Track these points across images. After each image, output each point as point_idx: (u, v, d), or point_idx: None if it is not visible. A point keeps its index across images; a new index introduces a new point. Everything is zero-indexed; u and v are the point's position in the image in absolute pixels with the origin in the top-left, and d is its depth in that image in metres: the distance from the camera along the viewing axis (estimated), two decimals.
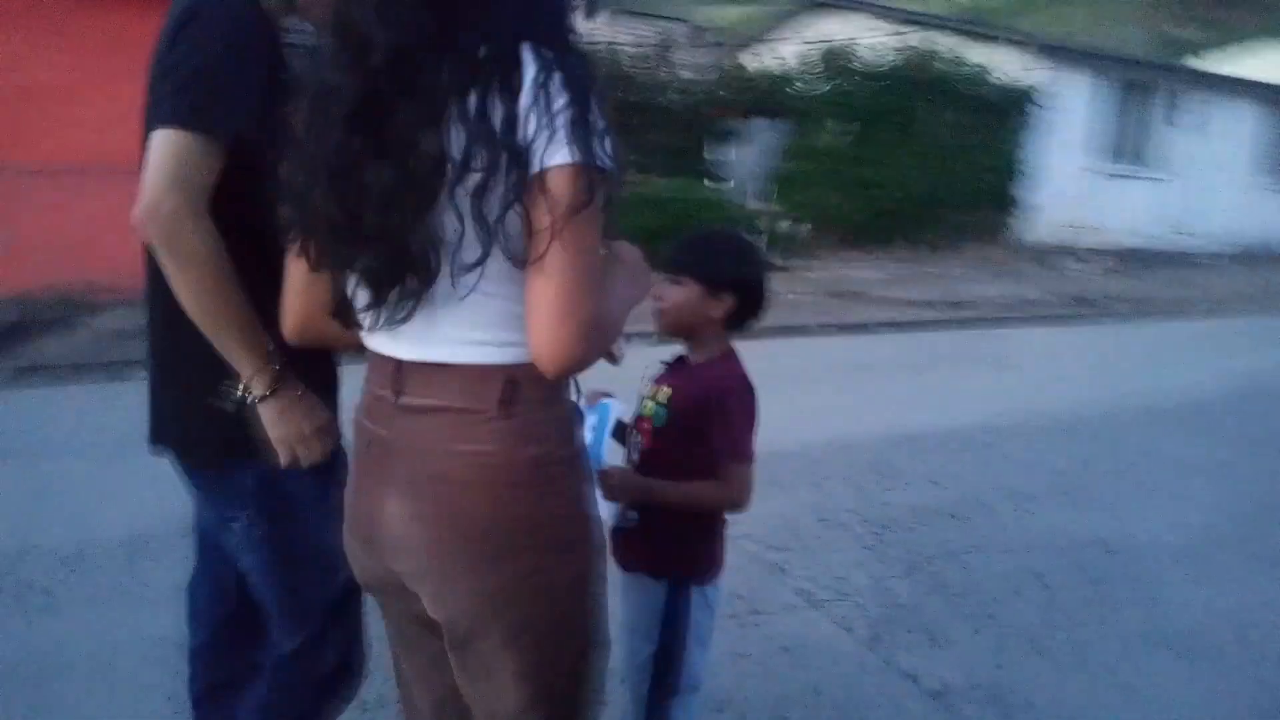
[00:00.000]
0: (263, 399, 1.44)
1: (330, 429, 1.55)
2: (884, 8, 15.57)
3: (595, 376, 1.33)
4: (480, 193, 1.05)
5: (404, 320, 1.13)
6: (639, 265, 1.34)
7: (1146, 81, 15.27)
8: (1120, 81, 14.91)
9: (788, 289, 9.11)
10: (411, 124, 1.06)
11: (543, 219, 1.05)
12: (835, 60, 13.25)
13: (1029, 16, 38.18)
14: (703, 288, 1.79)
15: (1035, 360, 7.98)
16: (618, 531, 1.83)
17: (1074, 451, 5.06)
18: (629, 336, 1.49)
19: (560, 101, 1.04)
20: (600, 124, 1.06)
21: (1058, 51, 14.46)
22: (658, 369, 1.93)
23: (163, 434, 1.59)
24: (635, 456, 1.88)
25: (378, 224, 1.08)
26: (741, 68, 13.64)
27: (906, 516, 3.96)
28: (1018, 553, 3.65)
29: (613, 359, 1.48)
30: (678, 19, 18.57)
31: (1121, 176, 15.13)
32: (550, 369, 1.08)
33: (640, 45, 12.39)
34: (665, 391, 1.86)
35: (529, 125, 1.04)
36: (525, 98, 1.04)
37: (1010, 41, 14.33)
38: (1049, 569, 3.50)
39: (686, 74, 12.38)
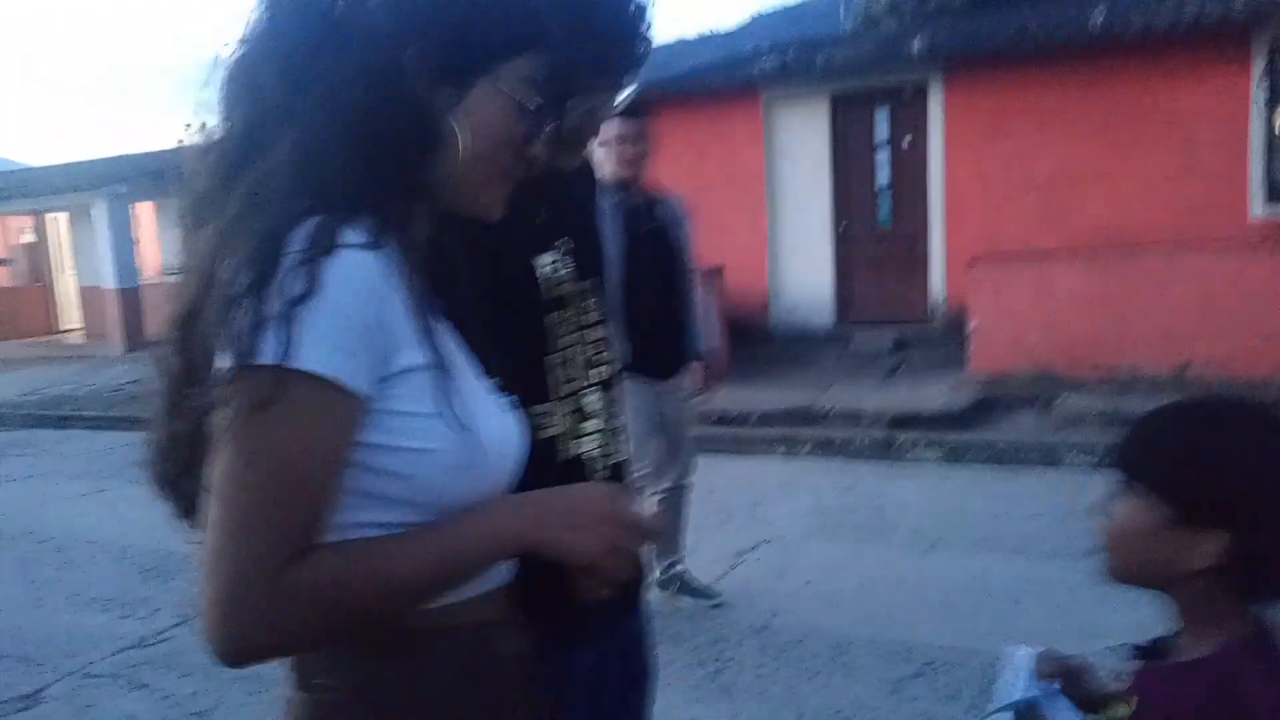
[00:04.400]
0: None
1: None
2: None
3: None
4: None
5: None
6: (556, 516, 0.93)
7: None
8: None
9: None
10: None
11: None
12: None
13: None
14: (1164, 508, 0.99)
15: None
16: None
17: None
18: None
19: (235, 283, 0.81)
20: (281, 305, 0.78)
21: None
22: (1127, 651, 1.11)
23: None
24: None
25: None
26: None
27: None
28: None
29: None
30: None
31: None
32: (211, 653, 0.81)
33: None
34: (1123, 709, 1.06)
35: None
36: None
37: None
38: None
39: None
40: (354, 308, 0.82)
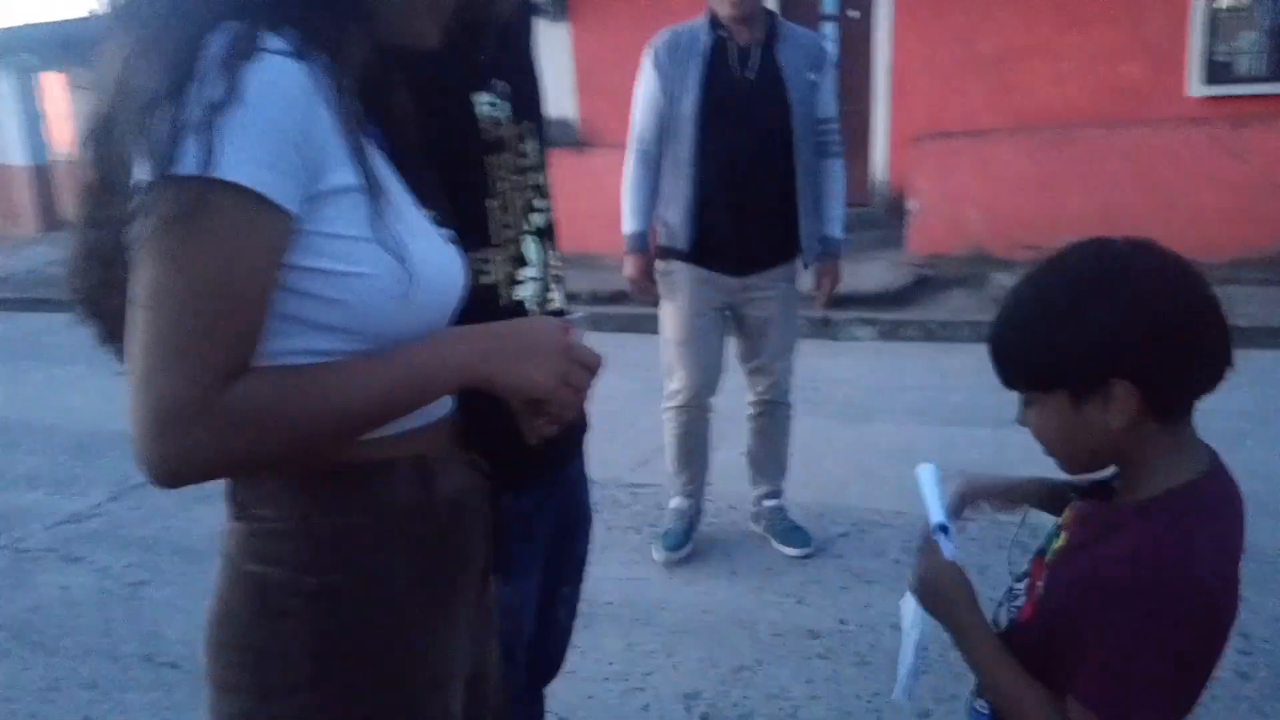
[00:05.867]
0: None
1: None
2: None
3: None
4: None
5: None
6: (499, 344, 0.91)
7: None
8: None
9: None
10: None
11: None
12: None
13: None
14: (1061, 397, 0.99)
15: None
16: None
17: None
18: None
19: (151, 88, 0.76)
20: (201, 112, 0.74)
21: None
22: (1081, 488, 1.12)
23: None
24: (1008, 617, 1.13)
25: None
26: None
27: None
28: None
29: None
30: None
31: None
32: (145, 476, 0.79)
33: None
34: (1057, 541, 1.09)
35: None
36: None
37: None
38: None
39: None
40: (278, 116, 0.77)
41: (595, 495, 1.64)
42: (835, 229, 3.01)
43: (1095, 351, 0.96)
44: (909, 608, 1.20)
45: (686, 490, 3.14)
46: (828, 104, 2.90)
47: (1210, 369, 0.97)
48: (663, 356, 3.07)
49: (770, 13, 2.86)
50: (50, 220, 13.02)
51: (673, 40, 2.82)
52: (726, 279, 2.92)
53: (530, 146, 1.35)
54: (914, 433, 4.24)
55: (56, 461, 4.49)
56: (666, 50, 2.80)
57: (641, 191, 2.88)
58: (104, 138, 0.81)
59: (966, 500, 1.22)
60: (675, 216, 2.85)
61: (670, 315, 2.98)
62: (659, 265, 2.98)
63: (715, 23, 2.79)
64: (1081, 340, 0.96)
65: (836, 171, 2.98)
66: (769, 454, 3.22)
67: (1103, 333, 0.95)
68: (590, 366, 0.95)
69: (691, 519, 3.14)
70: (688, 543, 3.10)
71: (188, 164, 0.74)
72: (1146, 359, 0.95)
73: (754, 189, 2.83)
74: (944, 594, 1.09)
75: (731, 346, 3.15)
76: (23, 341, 7.38)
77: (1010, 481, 1.25)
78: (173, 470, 0.77)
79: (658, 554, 3.08)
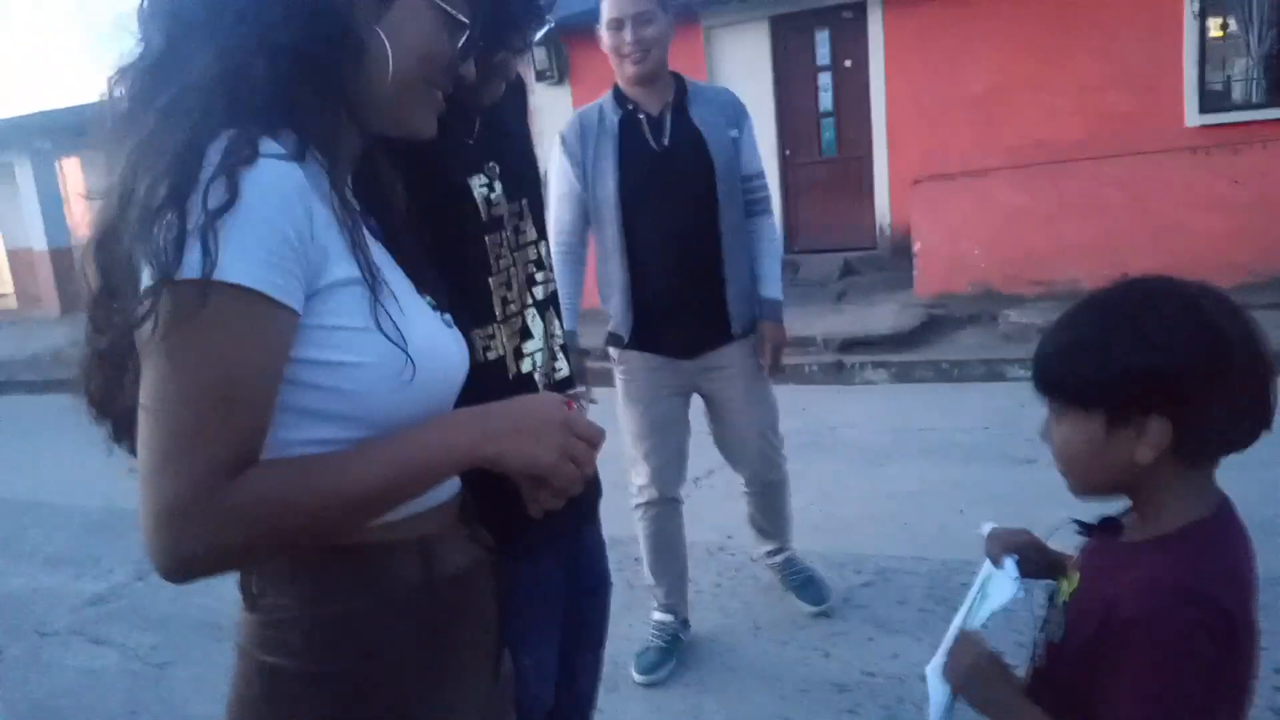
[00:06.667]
0: None
1: None
2: None
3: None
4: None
5: None
6: (486, 425, 0.92)
7: None
8: None
9: None
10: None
11: None
12: None
13: None
14: (1096, 419, 0.99)
15: None
16: None
17: None
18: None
19: (154, 196, 0.79)
20: (202, 218, 0.77)
21: None
22: (1073, 528, 1.14)
23: None
24: (1035, 662, 1.14)
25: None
26: None
27: None
28: None
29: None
30: None
31: None
32: (155, 571, 0.81)
33: None
34: (1073, 581, 1.10)
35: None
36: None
37: None
38: None
39: None
40: (277, 218, 0.81)
41: (614, 554, 1.65)
42: (772, 289, 2.80)
43: (1147, 378, 0.95)
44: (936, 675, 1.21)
45: (666, 604, 2.91)
46: (751, 159, 2.74)
47: (1249, 427, 0.99)
48: (625, 451, 2.85)
49: (677, 75, 2.68)
50: (71, 302, 13.25)
51: (580, 124, 2.63)
52: (680, 362, 2.73)
53: (527, 222, 1.40)
54: (930, 475, 4.22)
55: (79, 542, 4.53)
56: (575, 136, 2.62)
57: (566, 290, 2.60)
58: (109, 245, 0.84)
59: (1005, 550, 1.21)
60: (616, 305, 2.70)
61: (628, 409, 2.79)
62: (612, 355, 2.81)
63: (621, 97, 2.63)
64: (1137, 363, 0.96)
65: (768, 229, 2.81)
66: (769, 520, 3.11)
67: (1160, 361, 0.95)
68: (592, 440, 0.96)
69: (675, 633, 2.88)
70: (668, 661, 2.80)
71: (191, 269, 0.77)
72: (1191, 398, 0.95)
73: (689, 262, 2.64)
74: (980, 687, 1.09)
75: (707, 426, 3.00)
76: (45, 422, 7.45)
77: (1037, 545, 1.24)
78: (179, 564, 0.79)
79: (636, 675, 2.78)
